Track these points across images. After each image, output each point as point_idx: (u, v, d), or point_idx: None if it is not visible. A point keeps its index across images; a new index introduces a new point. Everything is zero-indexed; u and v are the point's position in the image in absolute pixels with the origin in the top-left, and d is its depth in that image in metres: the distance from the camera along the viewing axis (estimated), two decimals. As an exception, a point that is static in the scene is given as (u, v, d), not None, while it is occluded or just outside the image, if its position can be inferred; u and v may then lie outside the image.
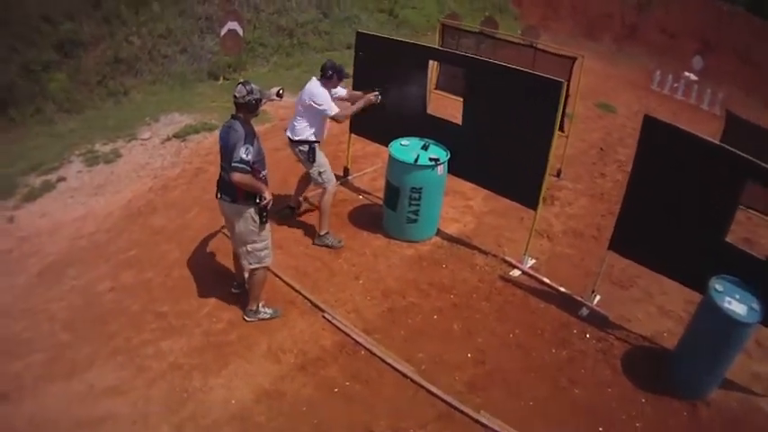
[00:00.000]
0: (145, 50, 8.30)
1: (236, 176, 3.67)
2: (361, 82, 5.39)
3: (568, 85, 6.78)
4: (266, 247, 4.05)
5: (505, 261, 5.20)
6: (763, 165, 3.97)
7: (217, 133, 6.66)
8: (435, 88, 7.79)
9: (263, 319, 4.25)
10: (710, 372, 4.28)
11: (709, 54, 14.30)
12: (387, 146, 5.14)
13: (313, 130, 4.87)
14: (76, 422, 3.36)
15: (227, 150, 3.77)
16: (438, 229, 5.43)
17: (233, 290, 4.43)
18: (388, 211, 5.21)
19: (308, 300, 4.44)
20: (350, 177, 6.25)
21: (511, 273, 5.05)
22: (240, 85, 3.81)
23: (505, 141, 4.81)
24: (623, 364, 4.47)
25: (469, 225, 5.74)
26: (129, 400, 3.50)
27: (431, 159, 4.90)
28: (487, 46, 7.81)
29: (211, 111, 7.33)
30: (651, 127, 4.35)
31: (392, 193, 5.06)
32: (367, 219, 5.51)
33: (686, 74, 13.39)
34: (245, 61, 8.92)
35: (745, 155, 4.02)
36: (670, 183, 4.39)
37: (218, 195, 3.95)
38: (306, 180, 5.41)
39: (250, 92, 3.77)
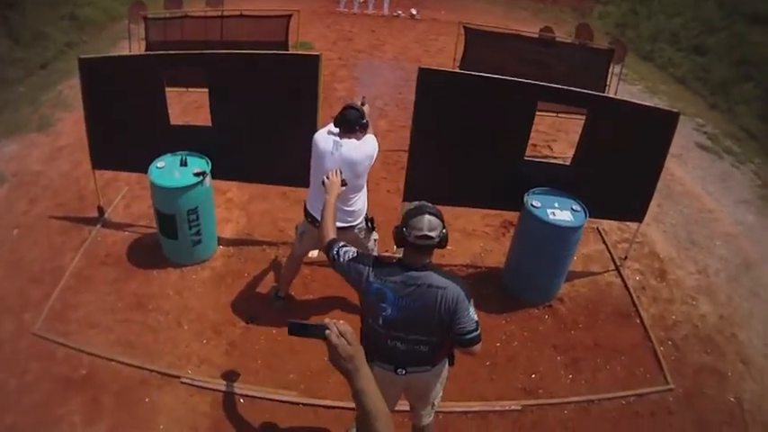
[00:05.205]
0: None
1: (479, 347, 2.66)
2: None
3: (286, 41, 6.98)
4: None
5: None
6: (552, 85, 4.30)
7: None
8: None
9: None
10: (556, 275, 4.59)
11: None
12: (139, 172, 4.52)
13: (366, 195, 3.92)
14: None
15: (427, 318, 2.59)
16: (218, 237, 5.04)
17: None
18: (169, 241, 4.66)
19: (155, 372, 3.89)
20: (106, 215, 5.31)
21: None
22: (429, 216, 2.52)
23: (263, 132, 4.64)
24: (464, 294, 4.68)
25: (242, 220, 5.48)
26: None
27: (195, 174, 4.44)
28: (195, 25, 7.21)
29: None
30: (428, 77, 4.38)
31: (168, 221, 4.49)
32: (147, 253, 4.87)
33: None
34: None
35: (533, 81, 4.31)
36: (457, 122, 4.49)
37: (404, 371, 2.79)
38: (299, 262, 4.39)
39: (441, 217, 2.57)
